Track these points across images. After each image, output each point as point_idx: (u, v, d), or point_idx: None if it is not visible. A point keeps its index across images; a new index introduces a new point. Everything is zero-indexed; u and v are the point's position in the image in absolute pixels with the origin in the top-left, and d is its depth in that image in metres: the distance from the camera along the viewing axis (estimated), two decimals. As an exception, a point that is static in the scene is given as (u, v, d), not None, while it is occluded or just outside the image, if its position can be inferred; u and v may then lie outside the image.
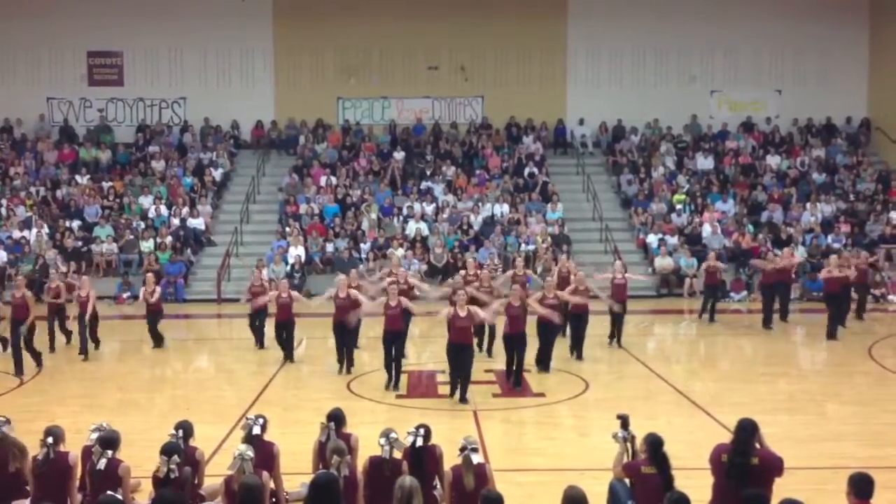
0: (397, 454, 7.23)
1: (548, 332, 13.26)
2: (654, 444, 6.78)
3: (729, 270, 22.81)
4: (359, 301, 13.20)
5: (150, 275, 16.25)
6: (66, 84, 27.80)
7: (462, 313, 11.52)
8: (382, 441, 7.19)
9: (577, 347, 14.40)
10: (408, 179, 26.07)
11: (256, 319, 15.48)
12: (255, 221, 25.04)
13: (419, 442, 7.26)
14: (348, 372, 13.35)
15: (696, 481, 6.97)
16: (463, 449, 6.90)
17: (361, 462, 7.40)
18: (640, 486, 6.76)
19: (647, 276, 21.31)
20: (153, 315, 15.56)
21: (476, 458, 6.81)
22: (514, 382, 12.41)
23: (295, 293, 14.99)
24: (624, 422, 7.45)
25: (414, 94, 28.12)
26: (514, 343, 12.42)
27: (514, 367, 12.47)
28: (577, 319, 14.44)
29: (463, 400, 11.49)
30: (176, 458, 6.89)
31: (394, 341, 12.43)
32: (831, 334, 16.16)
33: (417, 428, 7.38)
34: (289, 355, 14.33)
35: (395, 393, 12.10)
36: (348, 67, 27.93)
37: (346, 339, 13.52)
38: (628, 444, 7.32)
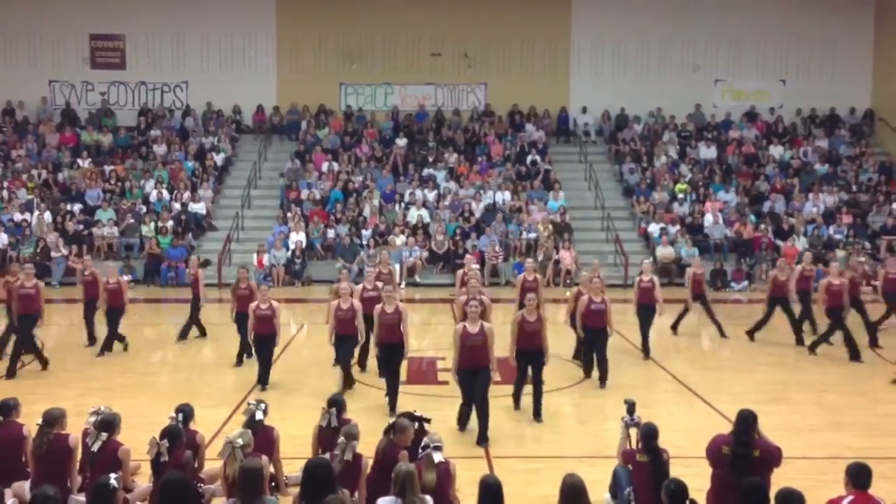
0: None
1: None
2: (647, 435, 6.94)
3: (730, 260, 22.88)
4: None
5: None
6: (68, 67, 27.74)
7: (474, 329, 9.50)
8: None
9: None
10: (409, 166, 26.04)
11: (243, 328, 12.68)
12: (257, 206, 25.03)
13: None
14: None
15: (694, 469, 7.03)
16: (425, 447, 6.89)
17: (360, 447, 7.44)
18: (636, 472, 6.91)
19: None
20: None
21: (438, 457, 6.79)
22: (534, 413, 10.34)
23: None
24: (630, 407, 7.50)
25: (417, 80, 28.05)
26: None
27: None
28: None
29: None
30: (166, 442, 6.97)
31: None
32: None
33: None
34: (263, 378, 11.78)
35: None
36: (351, 53, 27.86)
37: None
38: (630, 430, 7.37)
